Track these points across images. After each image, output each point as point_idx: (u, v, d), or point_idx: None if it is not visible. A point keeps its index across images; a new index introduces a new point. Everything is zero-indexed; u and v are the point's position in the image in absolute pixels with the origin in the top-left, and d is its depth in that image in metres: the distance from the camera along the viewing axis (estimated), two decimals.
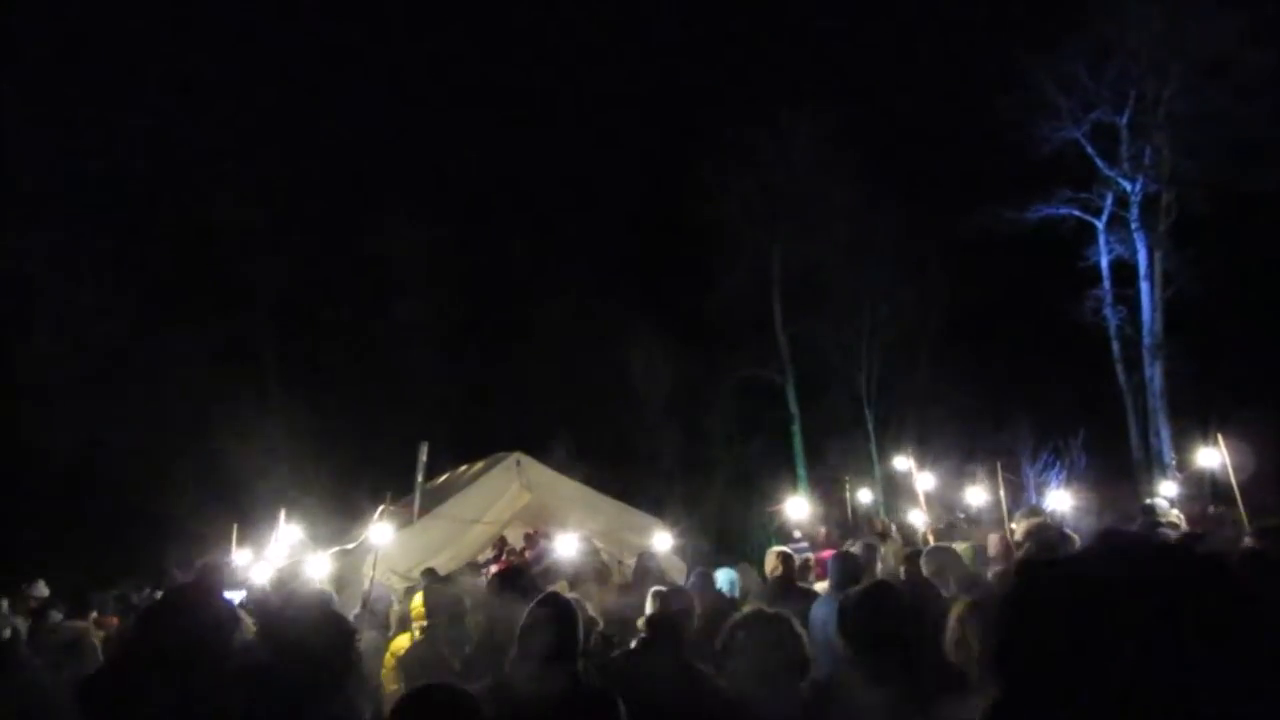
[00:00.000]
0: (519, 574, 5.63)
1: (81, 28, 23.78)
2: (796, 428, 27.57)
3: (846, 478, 17.16)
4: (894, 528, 12.85)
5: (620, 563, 11.15)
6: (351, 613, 6.91)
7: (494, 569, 12.89)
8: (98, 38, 23.65)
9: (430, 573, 9.01)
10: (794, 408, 27.72)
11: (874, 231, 25.51)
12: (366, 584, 7.43)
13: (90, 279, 22.59)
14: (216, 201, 24.77)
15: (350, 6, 27.53)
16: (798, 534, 12.43)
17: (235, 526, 10.21)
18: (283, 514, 9.48)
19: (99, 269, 22.69)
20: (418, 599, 6.30)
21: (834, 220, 25.86)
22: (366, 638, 6.15)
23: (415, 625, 6.15)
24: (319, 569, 8.34)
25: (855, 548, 8.67)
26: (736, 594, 7.92)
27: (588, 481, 13.06)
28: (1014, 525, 9.08)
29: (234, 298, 25.62)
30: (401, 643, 6.19)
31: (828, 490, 19.56)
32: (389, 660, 5.97)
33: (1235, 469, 9.17)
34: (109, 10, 24.48)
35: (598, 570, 9.87)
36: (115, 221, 22.81)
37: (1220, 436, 9.81)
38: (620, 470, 19.63)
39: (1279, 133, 19.38)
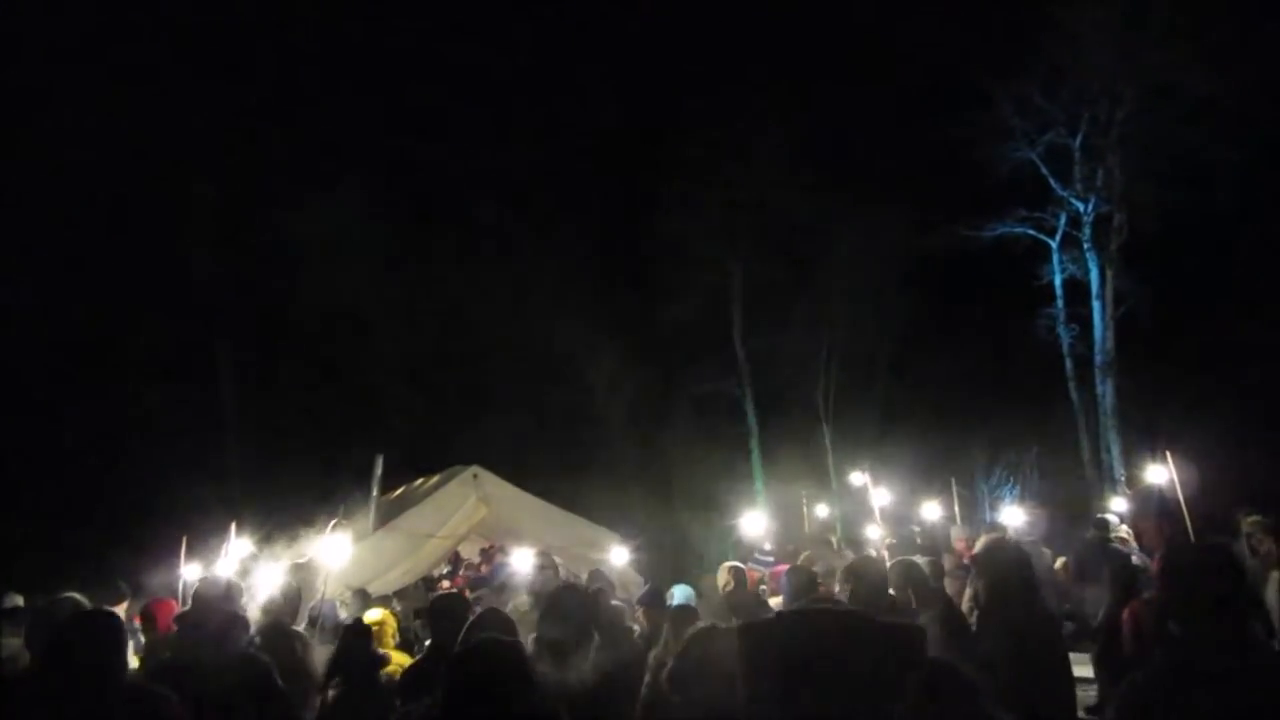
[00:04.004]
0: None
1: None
2: (755, 442, 27.66)
3: (804, 492, 17.21)
4: (843, 544, 12.92)
5: (577, 577, 11.08)
6: (301, 625, 6.84)
7: (448, 584, 12.79)
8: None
9: (361, 593, 8.92)
10: (752, 422, 27.83)
11: (833, 248, 25.79)
12: (317, 599, 7.32)
13: (37, 282, 22.04)
14: (169, 209, 24.37)
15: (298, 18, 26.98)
16: (768, 545, 12.38)
17: (184, 539, 9.98)
18: (233, 527, 9.28)
19: (47, 272, 22.14)
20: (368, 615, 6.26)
21: (793, 237, 26.09)
22: (317, 653, 6.08)
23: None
24: (269, 582, 8.18)
25: (819, 566, 8.71)
26: None
27: (545, 495, 12.97)
28: (960, 542, 9.17)
29: (186, 306, 25.17)
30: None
31: (786, 505, 19.61)
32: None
33: (1183, 485, 9.33)
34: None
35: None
36: (65, 224, 22.25)
37: (1169, 453, 9.97)
38: (578, 484, 19.50)
39: (1228, 155, 19.81)
